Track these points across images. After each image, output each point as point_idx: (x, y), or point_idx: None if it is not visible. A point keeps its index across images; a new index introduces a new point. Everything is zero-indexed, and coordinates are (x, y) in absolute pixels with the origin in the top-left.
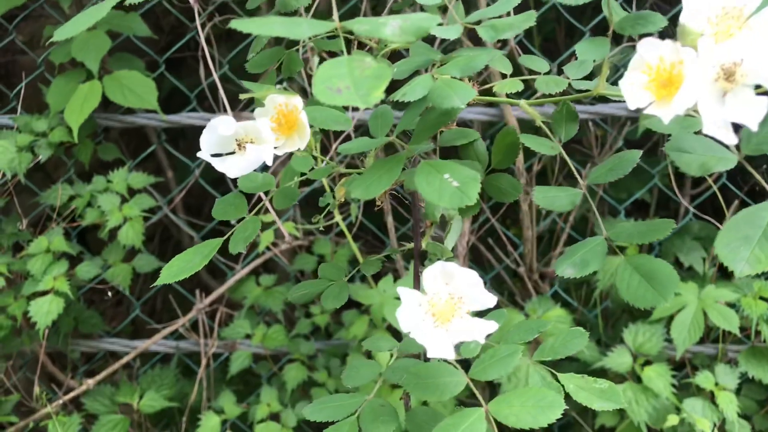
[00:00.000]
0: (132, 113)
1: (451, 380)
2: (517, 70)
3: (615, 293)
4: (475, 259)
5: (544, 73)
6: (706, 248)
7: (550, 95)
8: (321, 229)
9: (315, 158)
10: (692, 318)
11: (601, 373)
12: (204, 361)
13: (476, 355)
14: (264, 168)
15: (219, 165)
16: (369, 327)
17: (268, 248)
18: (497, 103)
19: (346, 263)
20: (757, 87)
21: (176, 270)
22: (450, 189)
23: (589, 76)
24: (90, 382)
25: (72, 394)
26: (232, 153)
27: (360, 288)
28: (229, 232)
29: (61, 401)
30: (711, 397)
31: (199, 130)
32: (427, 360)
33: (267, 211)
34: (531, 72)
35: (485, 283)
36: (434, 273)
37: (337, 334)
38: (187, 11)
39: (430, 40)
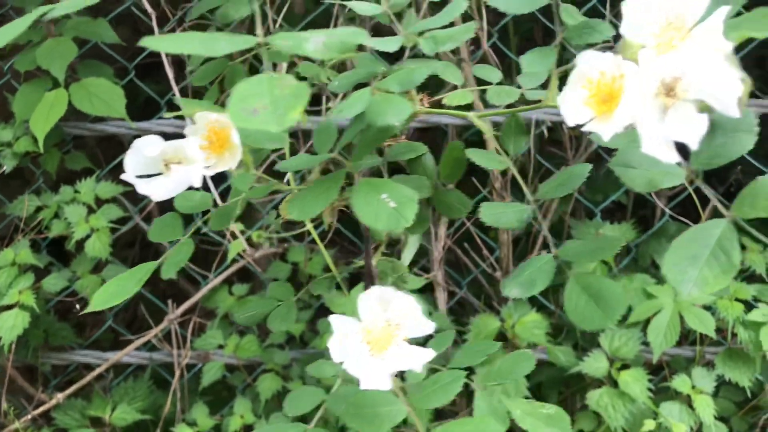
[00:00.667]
0: (102, 121)
1: (391, 409)
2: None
3: None
4: (452, 264)
5: (497, 83)
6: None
7: (511, 105)
8: (271, 241)
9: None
10: (668, 321)
11: (578, 377)
12: (177, 372)
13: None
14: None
15: (143, 188)
16: None
17: (241, 256)
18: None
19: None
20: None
21: (108, 295)
22: (387, 210)
23: (545, 85)
24: (60, 396)
25: (42, 409)
26: (160, 174)
27: (334, 296)
28: (163, 256)
29: (30, 416)
30: (688, 401)
31: (171, 137)
32: None
33: (239, 219)
34: (482, 82)
35: (462, 287)
36: (370, 299)
37: (312, 343)
38: (161, 16)
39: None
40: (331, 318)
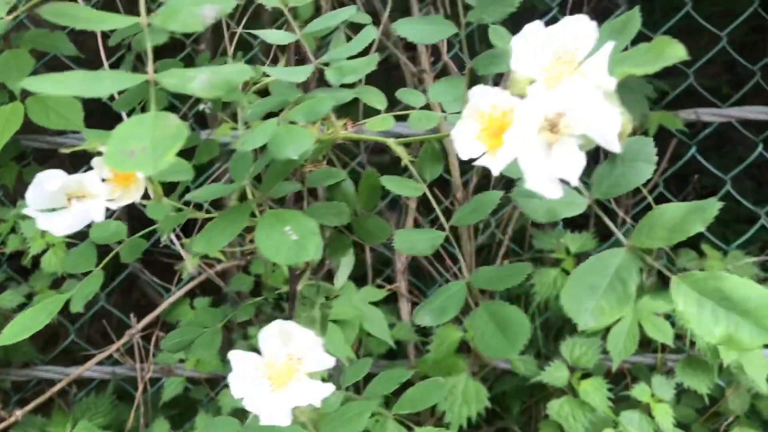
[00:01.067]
0: (63, 134)
1: None
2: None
3: (555, 305)
4: (415, 274)
5: (420, 107)
6: (642, 258)
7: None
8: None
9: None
10: (627, 330)
11: (542, 387)
12: (140, 387)
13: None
14: None
15: (44, 223)
16: None
17: (203, 269)
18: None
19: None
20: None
21: (19, 329)
22: (288, 243)
23: None
24: (18, 413)
25: (0, 426)
26: (63, 208)
27: (299, 309)
28: (74, 289)
29: None
30: (648, 409)
31: None
32: None
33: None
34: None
35: (426, 298)
36: (271, 333)
37: None
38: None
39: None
40: (231, 354)
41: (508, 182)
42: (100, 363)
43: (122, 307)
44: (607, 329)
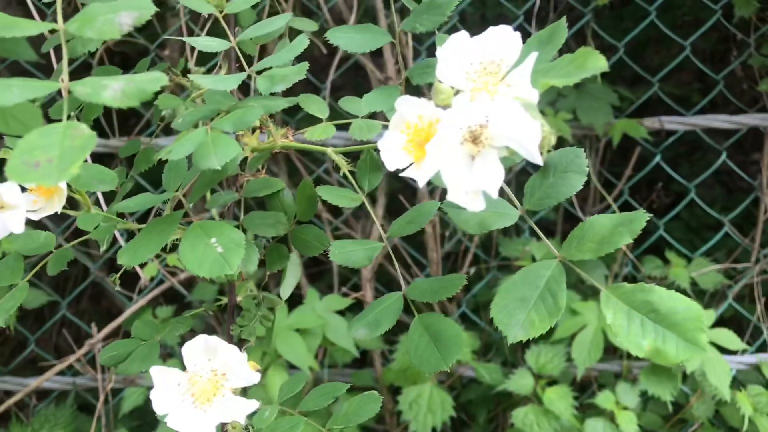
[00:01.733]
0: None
1: None
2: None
3: None
4: (382, 281)
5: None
6: (608, 265)
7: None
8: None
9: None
10: (592, 338)
11: (507, 395)
12: (102, 397)
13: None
14: None
15: None
16: (262, 359)
17: (166, 277)
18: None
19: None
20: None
21: None
22: (212, 256)
23: None
24: None
25: None
26: None
27: None
28: None
29: None
30: (612, 417)
31: (95, 157)
32: None
33: None
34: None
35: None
36: (196, 348)
37: None
38: None
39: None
40: (152, 369)
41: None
42: (60, 373)
43: (91, 315)
44: (572, 336)
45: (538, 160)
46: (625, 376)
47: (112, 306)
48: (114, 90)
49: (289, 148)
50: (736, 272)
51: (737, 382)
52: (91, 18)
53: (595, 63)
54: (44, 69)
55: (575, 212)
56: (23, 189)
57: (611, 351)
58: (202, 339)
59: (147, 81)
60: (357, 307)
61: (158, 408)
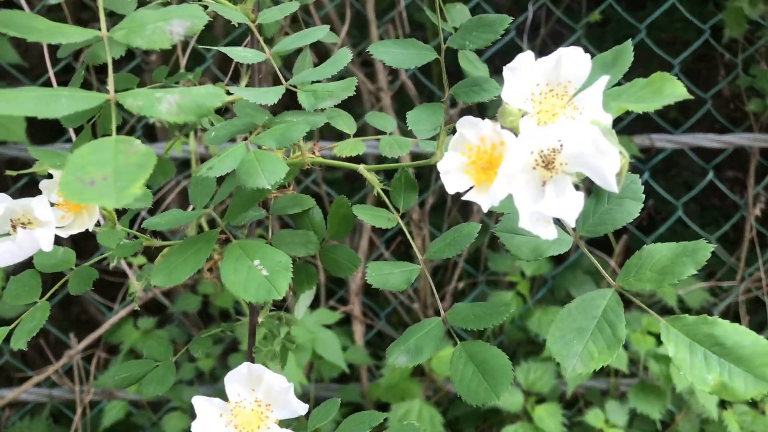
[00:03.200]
0: (3, 144)
1: None
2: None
3: (509, 328)
4: (370, 295)
5: (390, 133)
6: (596, 282)
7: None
8: (137, 308)
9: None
10: None
11: (496, 412)
12: (79, 410)
13: None
14: None
15: None
16: None
17: (149, 288)
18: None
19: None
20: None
21: None
22: (257, 279)
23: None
24: None
25: None
26: (7, 234)
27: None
28: (15, 322)
29: None
30: None
31: None
32: None
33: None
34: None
35: (380, 320)
36: (239, 377)
37: (222, 379)
38: None
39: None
40: (194, 400)
41: (463, 205)
42: (36, 385)
43: (61, 322)
44: None
45: (614, 189)
46: (612, 394)
47: (81, 313)
48: (169, 103)
49: (318, 163)
50: (722, 290)
51: (721, 401)
52: (140, 26)
53: (673, 90)
54: (26, 72)
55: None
56: (50, 204)
57: (599, 369)
58: (245, 367)
59: (205, 95)
60: (342, 321)
61: None
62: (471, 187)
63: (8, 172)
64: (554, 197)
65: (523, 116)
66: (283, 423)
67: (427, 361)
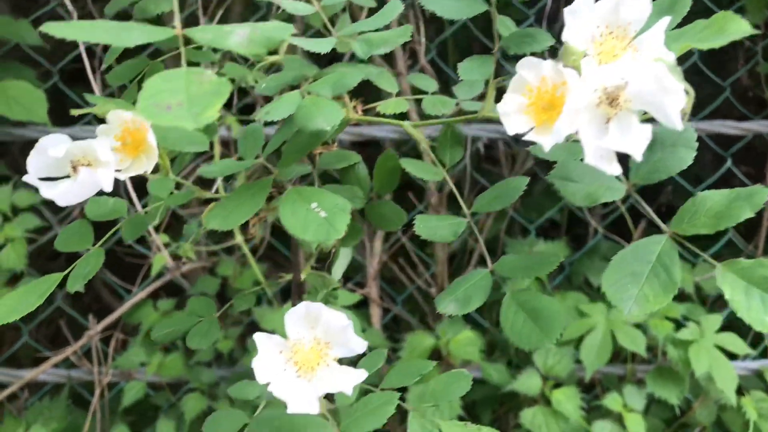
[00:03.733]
0: (24, 126)
1: None
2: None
3: None
4: (387, 279)
5: (432, 93)
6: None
7: (437, 116)
8: (191, 258)
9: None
10: (601, 339)
11: (513, 396)
12: (98, 391)
13: (351, 403)
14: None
15: (47, 191)
16: None
17: (167, 270)
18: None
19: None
20: (644, 113)
21: (7, 310)
22: (316, 220)
23: (481, 96)
24: None
25: None
26: (68, 177)
27: (265, 311)
28: (69, 267)
29: None
30: (620, 419)
31: None
32: None
33: (167, 229)
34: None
35: (397, 304)
36: (298, 315)
37: (241, 361)
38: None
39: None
40: (256, 336)
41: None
42: (55, 366)
43: (73, 310)
44: (580, 338)
45: (679, 126)
46: (629, 380)
47: (93, 302)
48: (240, 36)
49: (364, 121)
50: None
51: (738, 388)
52: None
53: (737, 27)
54: (45, 54)
55: (581, 215)
56: None
57: (615, 355)
58: (303, 306)
59: (274, 29)
60: (359, 304)
61: (260, 377)
62: (531, 129)
63: (73, 112)
64: (618, 134)
65: (584, 57)
66: (342, 362)
67: (444, 345)
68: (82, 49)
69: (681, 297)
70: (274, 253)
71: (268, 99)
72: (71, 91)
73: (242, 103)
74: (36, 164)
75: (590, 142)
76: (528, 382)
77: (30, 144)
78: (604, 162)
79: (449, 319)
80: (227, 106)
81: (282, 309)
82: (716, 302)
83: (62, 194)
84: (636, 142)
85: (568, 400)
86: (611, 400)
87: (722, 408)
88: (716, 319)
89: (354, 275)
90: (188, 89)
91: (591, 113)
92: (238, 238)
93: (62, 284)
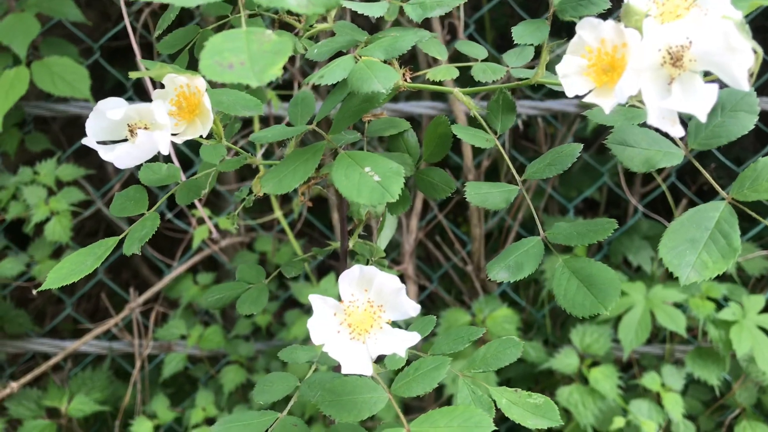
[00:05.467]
0: (66, 102)
1: (370, 397)
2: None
3: None
4: (423, 257)
5: (482, 60)
6: (654, 248)
7: (490, 83)
8: (235, 228)
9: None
10: (639, 319)
11: (548, 374)
12: (138, 363)
13: (400, 368)
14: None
15: (106, 154)
16: None
17: (206, 245)
18: (446, 98)
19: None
20: (707, 74)
21: (66, 273)
22: (370, 184)
23: (531, 66)
24: (14, 385)
25: None
26: (125, 140)
27: (302, 287)
28: (125, 231)
29: None
30: (657, 399)
31: None
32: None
33: (206, 204)
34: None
35: (433, 282)
36: (351, 278)
37: (279, 335)
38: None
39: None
40: (311, 297)
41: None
42: (96, 338)
43: (112, 287)
44: (618, 317)
45: (745, 87)
46: (667, 360)
47: (131, 279)
48: None
49: (413, 88)
50: None
51: None
52: None
53: None
54: (86, 28)
55: (621, 193)
56: None
57: (652, 334)
58: (357, 268)
59: None
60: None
61: (315, 337)
62: (590, 91)
63: (131, 74)
64: (682, 95)
65: (647, 16)
66: (395, 325)
67: (480, 322)
68: (126, 21)
69: (722, 277)
70: (311, 230)
71: (305, 75)
72: (112, 68)
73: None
74: (94, 127)
75: (653, 102)
76: (565, 360)
77: (72, 119)
78: (667, 123)
79: (485, 296)
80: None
81: (320, 284)
82: (758, 283)
83: (120, 156)
84: (701, 102)
85: (605, 379)
86: (649, 380)
87: (762, 390)
88: (759, 300)
89: (390, 252)
90: (249, 48)
91: (654, 74)
92: (277, 213)
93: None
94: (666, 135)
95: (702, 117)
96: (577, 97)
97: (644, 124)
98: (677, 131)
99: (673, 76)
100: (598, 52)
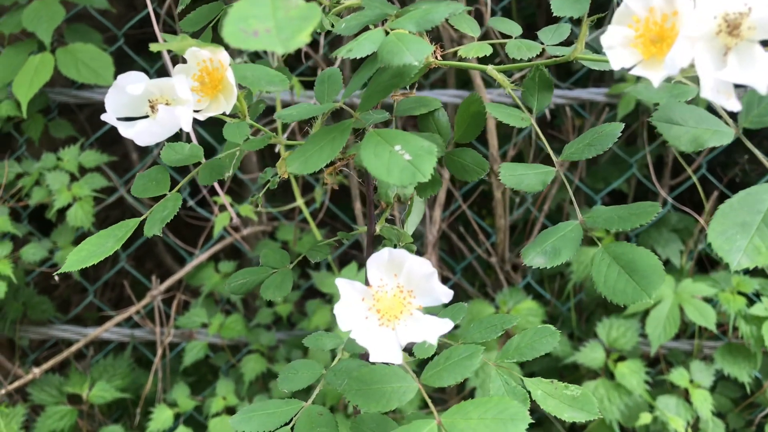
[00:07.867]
0: (89, 89)
1: (399, 386)
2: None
3: (589, 286)
4: (446, 248)
5: (517, 37)
6: (683, 240)
7: (522, 60)
8: (258, 209)
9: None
10: (668, 313)
11: (573, 368)
12: (159, 351)
13: (430, 357)
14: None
15: (126, 130)
16: (332, 317)
17: (228, 233)
18: (471, 86)
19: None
20: (765, 43)
21: (85, 255)
22: (401, 163)
23: (566, 44)
24: (36, 370)
25: (16, 384)
26: (146, 117)
27: (324, 276)
28: (147, 213)
29: (4, 391)
30: (685, 395)
31: None
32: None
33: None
34: (503, 36)
35: (456, 273)
36: (380, 262)
37: (300, 325)
38: None
39: None
40: (338, 281)
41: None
42: (118, 325)
43: (135, 276)
44: (646, 312)
45: None
46: (695, 356)
47: (155, 268)
48: None
49: (445, 65)
50: None
51: None
52: None
53: None
54: (111, 17)
55: (651, 185)
56: None
57: (680, 330)
58: (386, 251)
59: None
60: None
61: (342, 323)
62: (637, 63)
63: (152, 47)
64: (738, 66)
65: None
66: (426, 311)
67: (505, 314)
68: (150, 8)
69: (753, 272)
70: (333, 220)
71: (329, 62)
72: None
73: (304, 66)
74: (114, 103)
75: (708, 74)
76: (591, 355)
77: (99, 108)
78: (722, 97)
79: (509, 288)
80: (290, 69)
81: (341, 273)
82: None
83: (140, 133)
84: (761, 73)
85: (632, 374)
86: (677, 375)
87: None
88: None
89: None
90: (276, 15)
91: (708, 43)
92: (299, 201)
93: (126, 246)
94: (715, 113)
95: (762, 89)
96: (623, 69)
97: (692, 101)
98: (733, 105)
99: (729, 46)
100: (646, 21)
